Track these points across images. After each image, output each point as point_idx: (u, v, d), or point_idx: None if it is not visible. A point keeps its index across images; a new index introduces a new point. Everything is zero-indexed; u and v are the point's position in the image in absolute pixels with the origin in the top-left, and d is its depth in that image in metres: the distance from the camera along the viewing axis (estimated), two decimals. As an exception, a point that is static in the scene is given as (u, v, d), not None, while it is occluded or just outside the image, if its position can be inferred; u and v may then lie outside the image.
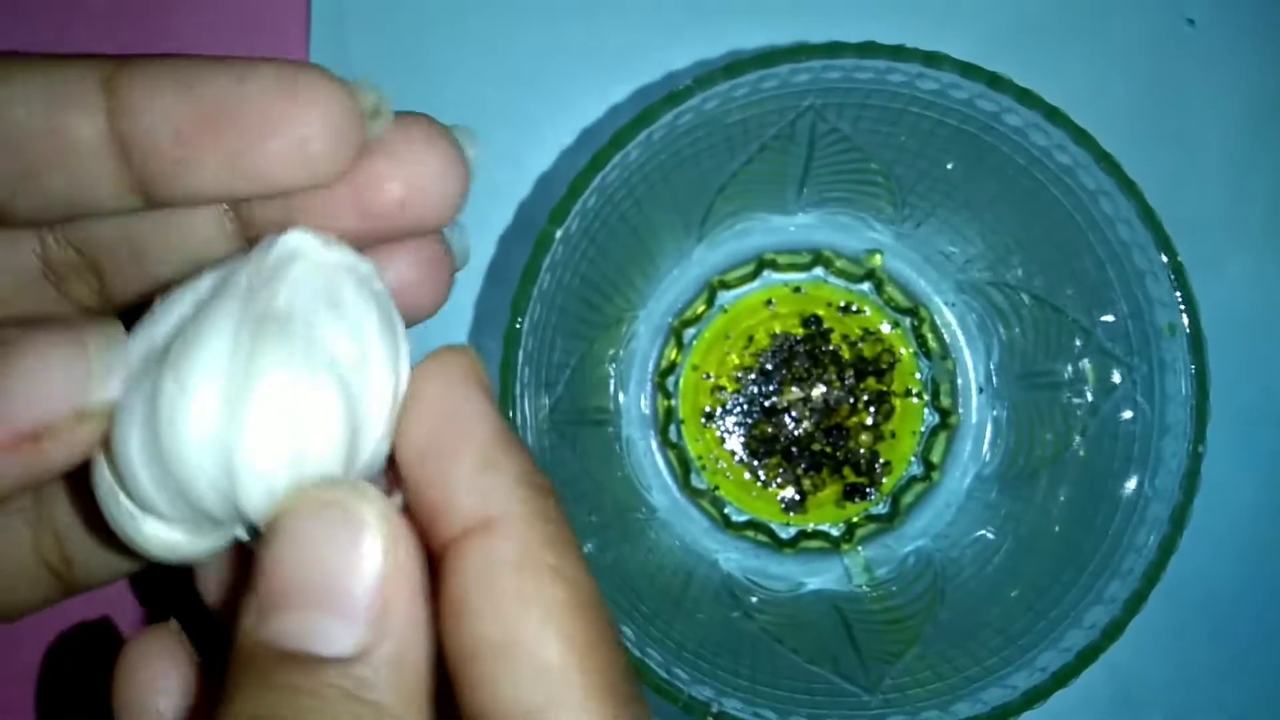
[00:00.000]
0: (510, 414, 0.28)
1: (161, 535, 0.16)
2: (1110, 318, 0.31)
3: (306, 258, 0.16)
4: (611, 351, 0.35)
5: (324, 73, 0.17)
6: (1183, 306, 0.28)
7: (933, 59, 0.28)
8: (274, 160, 0.16)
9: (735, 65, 0.28)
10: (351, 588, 0.15)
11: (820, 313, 0.36)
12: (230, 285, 0.16)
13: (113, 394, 0.16)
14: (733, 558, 0.35)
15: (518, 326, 0.28)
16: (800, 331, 0.36)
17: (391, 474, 0.17)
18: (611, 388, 0.35)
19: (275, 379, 0.15)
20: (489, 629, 0.15)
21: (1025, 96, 0.28)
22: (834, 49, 0.28)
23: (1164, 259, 0.28)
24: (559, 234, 0.28)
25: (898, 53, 0.28)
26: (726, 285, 0.36)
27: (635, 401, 0.36)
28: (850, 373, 0.36)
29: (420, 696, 0.15)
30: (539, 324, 0.29)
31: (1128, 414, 0.30)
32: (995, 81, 0.28)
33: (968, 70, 0.28)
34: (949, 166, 0.32)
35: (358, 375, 0.16)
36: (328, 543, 0.15)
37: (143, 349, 0.16)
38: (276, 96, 0.16)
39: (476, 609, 0.15)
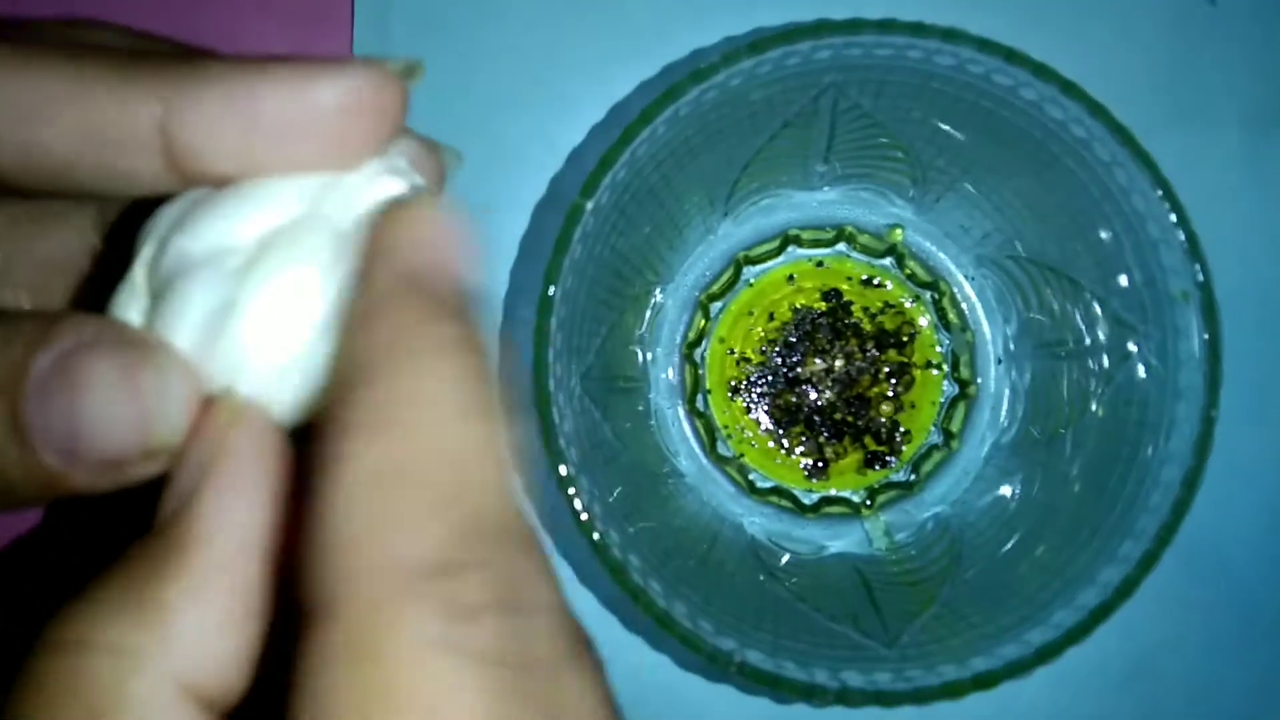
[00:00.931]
0: (544, 378, 0.29)
1: None
2: (1125, 288, 0.32)
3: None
4: (640, 322, 0.36)
5: (374, 69, 0.17)
6: (1197, 273, 0.29)
7: (951, 35, 0.29)
8: (316, 166, 0.17)
9: (759, 42, 0.29)
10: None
11: (841, 287, 0.37)
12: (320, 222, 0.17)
13: (178, 433, 0.16)
14: (757, 521, 0.36)
15: (550, 294, 0.29)
16: (822, 306, 0.37)
17: None
18: (640, 357, 0.36)
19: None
20: (308, 504, 0.14)
21: (1041, 71, 0.29)
22: (855, 26, 0.29)
23: (1177, 227, 0.29)
24: (590, 206, 0.29)
25: (917, 29, 0.29)
26: (752, 260, 0.37)
27: (663, 371, 0.37)
28: (871, 345, 0.37)
29: (217, 584, 0.15)
30: (571, 293, 0.31)
31: (1142, 379, 0.31)
32: (1012, 56, 0.29)
33: (985, 46, 0.29)
34: (966, 140, 0.33)
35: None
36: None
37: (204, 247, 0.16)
38: (334, 109, 0.16)
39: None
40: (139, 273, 0.17)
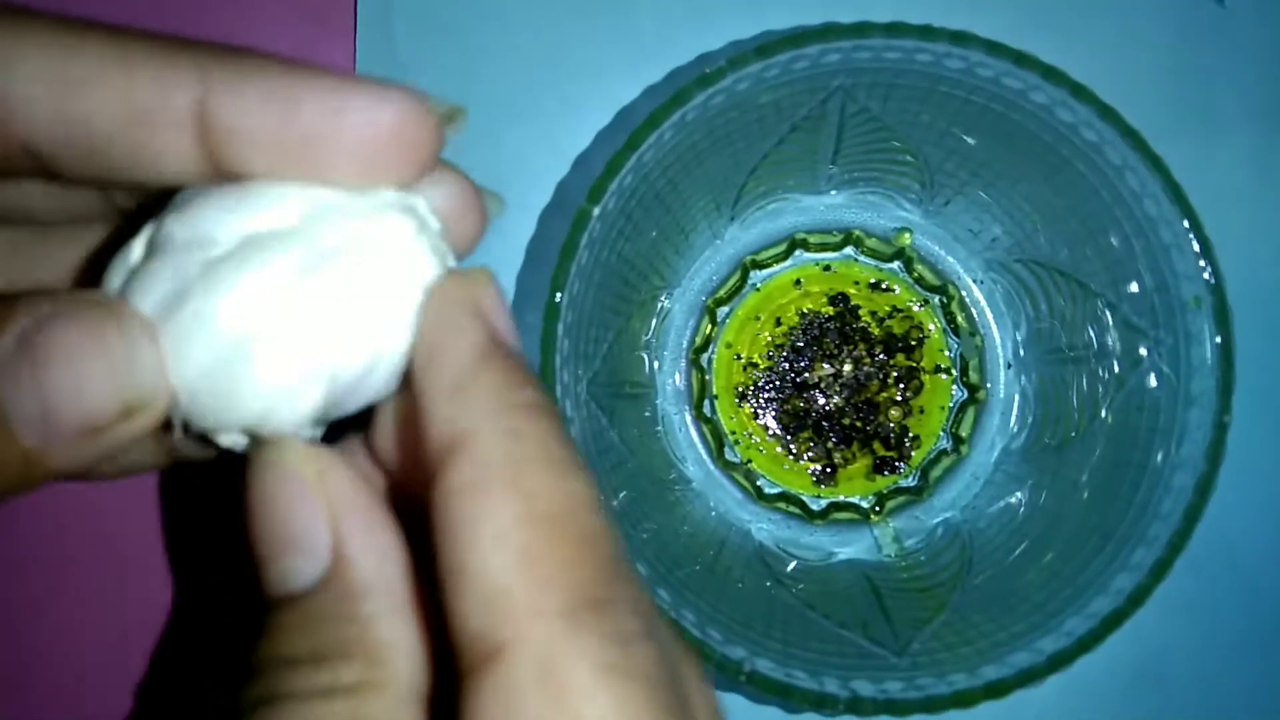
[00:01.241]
0: (550, 384, 0.29)
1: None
2: (1136, 292, 0.31)
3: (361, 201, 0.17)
4: (647, 328, 0.36)
5: (416, 103, 0.17)
6: (1209, 279, 0.29)
7: (960, 38, 0.29)
8: (336, 178, 0.17)
9: (767, 46, 0.29)
10: (303, 529, 0.16)
11: (849, 291, 0.37)
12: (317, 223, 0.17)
13: (161, 383, 0.16)
14: (765, 528, 0.36)
15: (557, 301, 0.29)
16: (829, 310, 0.37)
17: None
18: (647, 363, 0.36)
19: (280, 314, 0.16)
20: (446, 556, 0.15)
21: (1051, 74, 0.29)
22: (863, 29, 0.29)
23: (1189, 233, 0.29)
24: (597, 212, 0.29)
25: (925, 32, 0.29)
26: (759, 265, 0.37)
27: (670, 377, 0.37)
28: (880, 349, 0.37)
29: (395, 613, 0.16)
30: (578, 299, 0.30)
31: (1153, 385, 0.31)
32: (1022, 60, 0.29)
33: (994, 49, 0.29)
34: (976, 144, 0.32)
35: (377, 309, 0.17)
36: (275, 498, 0.16)
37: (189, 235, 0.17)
38: (369, 131, 0.16)
39: (439, 536, 0.15)
40: (137, 248, 0.17)
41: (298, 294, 0.16)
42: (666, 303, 0.36)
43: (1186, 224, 0.29)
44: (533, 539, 0.15)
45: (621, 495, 0.32)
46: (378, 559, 0.16)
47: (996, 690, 0.29)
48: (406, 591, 0.16)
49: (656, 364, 0.36)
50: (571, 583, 0.14)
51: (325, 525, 0.16)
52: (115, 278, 0.17)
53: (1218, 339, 0.29)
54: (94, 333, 0.15)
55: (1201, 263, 0.29)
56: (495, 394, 0.16)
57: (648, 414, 0.36)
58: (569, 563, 0.15)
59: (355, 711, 0.15)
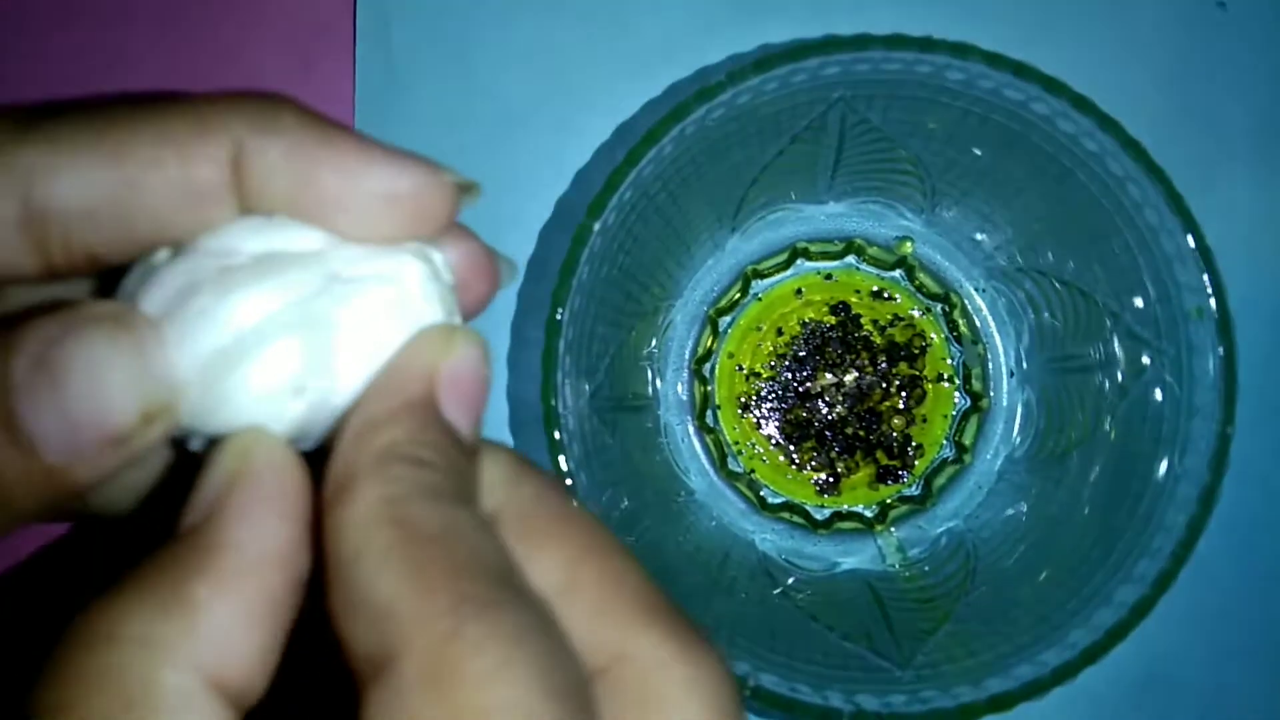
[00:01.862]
0: (552, 400, 0.29)
1: None
2: (1139, 301, 0.31)
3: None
4: (649, 339, 0.36)
5: (433, 174, 0.18)
6: (1210, 290, 0.29)
7: (960, 50, 0.29)
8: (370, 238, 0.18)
9: (766, 60, 0.29)
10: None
11: (850, 299, 0.37)
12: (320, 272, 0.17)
13: (175, 389, 0.16)
14: (769, 538, 0.36)
15: (558, 317, 0.29)
16: (831, 319, 0.37)
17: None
18: (650, 374, 0.36)
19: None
20: (334, 592, 0.15)
21: (1052, 85, 0.29)
22: (862, 42, 0.29)
23: (1191, 244, 0.29)
24: (597, 227, 0.29)
25: (925, 44, 0.29)
26: (760, 274, 0.37)
27: (673, 387, 0.37)
28: (882, 358, 0.37)
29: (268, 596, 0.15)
30: (579, 314, 0.30)
31: (1157, 396, 0.31)
32: (1022, 71, 0.29)
33: (994, 60, 0.29)
34: (977, 154, 0.32)
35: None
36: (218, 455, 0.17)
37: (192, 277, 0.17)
38: (386, 199, 0.17)
39: (329, 574, 0.15)
40: (162, 252, 0.17)
41: (304, 310, 0.17)
42: (668, 315, 0.36)
43: (1188, 235, 0.29)
44: (416, 556, 0.15)
45: (626, 509, 0.32)
46: (254, 546, 0.16)
47: (1001, 703, 0.29)
48: (269, 604, 0.16)
49: (659, 375, 0.36)
50: (457, 589, 0.14)
51: (223, 484, 0.16)
52: (135, 277, 0.17)
53: (1220, 350, 0.29)
54: (108, 343, 0.16)
55: (1203, 273, 0.29)
56: (391, 447, 0.16)
57: (650, 426, 0.36)
58: (453, 573, 0.15)
59: (146, 667, 0.14)
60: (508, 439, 0.36)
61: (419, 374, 0.17)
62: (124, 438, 0.16)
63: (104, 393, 0.16)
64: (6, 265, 0.16)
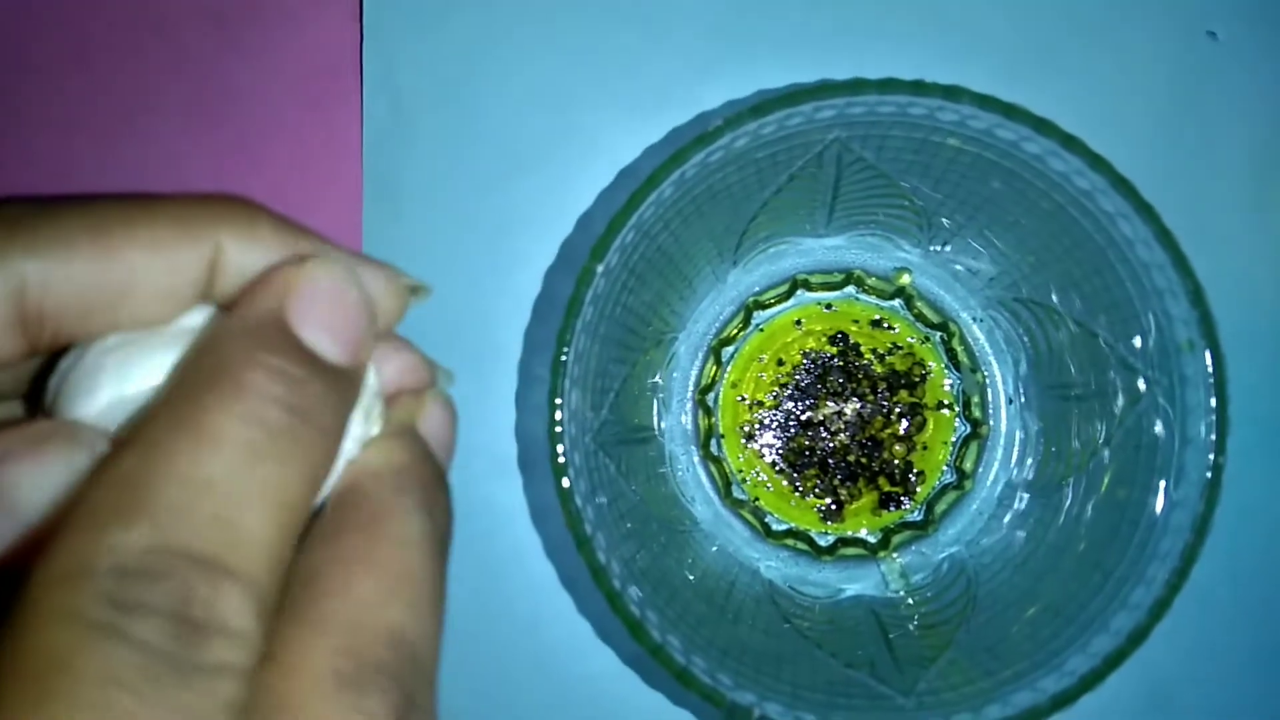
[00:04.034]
0: (559, 439, 0.30)
1: None
2: (1133, 333, 0.32)
3: None
4: (653, 372, 0.37)
5: (388, 278, 0.19)
6: (1201, 324, 0.29)
7: (951, 92, 0.30)
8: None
9: (762, 105, 0.30)
10: None
11: (848, 329, 0.38)
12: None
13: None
14: (773, 566, 0.36)
15: (563, 358, 0.30)
16: (831, 350, 0.37)
17: None
18: (654, 406, 0.37)
19: None
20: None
21: (1042, 125, 0.30)
22: (857, 86, 0.30)
23: (1181, 279, 0.29)
24: (600, 269, 0.30)
25: (918, 87, 0.30)
26: (762, 305, 0.38)
27: (677, 418, 0.37)
28: (883, 386, 0.37)
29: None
30: (584, 353, 0.31)
31: (1152, 425, 0.31)
32: (1012, 112, 0.30)
33: (985, 102, 0.30)
34: (972, 190, 0.33)
35: None
36: None
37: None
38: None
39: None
40: (111, 338, 0.18)
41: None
42: (672, 347, 0.37)
43: (1177, 271, 0.29)
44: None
45: (633, 544, 0.33)
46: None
47: (1001, 730, 0.29)
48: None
49: (664, 407, 0.37)
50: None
51: None
52: (71, 370, 0.18)
53: (1211, 381, 0.30)
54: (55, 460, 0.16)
55: (1194, 309, 0.29)
56: (222, 361, 0.16)
57: (656, 456, 0.37)
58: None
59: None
60: (516, 476, 0.37)
61: (273, 292, 0.17)
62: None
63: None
64: None
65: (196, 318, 0.18)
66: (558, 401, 0.30)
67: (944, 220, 0.35)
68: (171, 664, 0.13)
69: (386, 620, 0.16)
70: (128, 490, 0.14)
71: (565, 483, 0.30)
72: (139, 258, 0.17)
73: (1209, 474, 0.30)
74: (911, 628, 0.34)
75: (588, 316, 0.31)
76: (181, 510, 0.14)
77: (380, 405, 0.19)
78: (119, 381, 0.17)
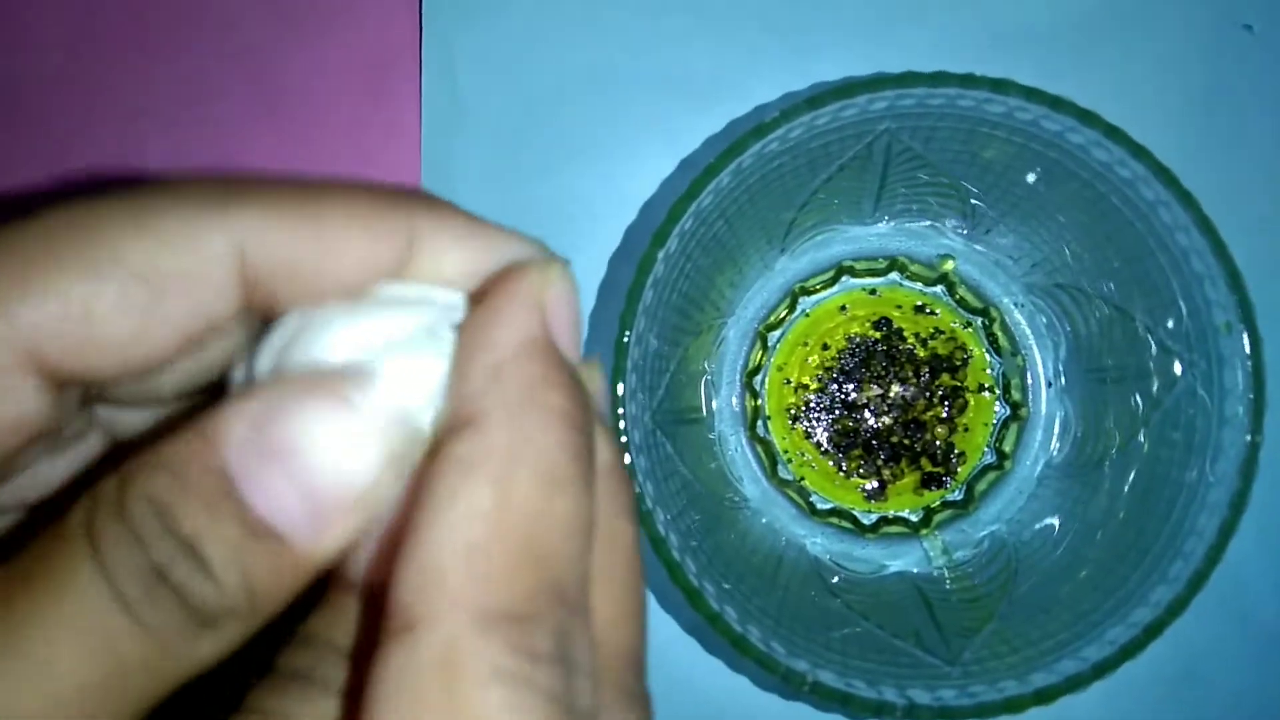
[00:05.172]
0: (620, 418, 0.31)
1: None
2: (1171, 317, 0.33)
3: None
4: (704, 355, 0.38)
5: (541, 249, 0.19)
6: (1238, 307, 0.31)
7: (999, 85, 0.31)
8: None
9: (818, 97, 0.31)
10: None
11: (892, 314, 0.39)
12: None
13: (428, 412, 0.16)
14: (819, 542, 0.38)
15: (625, 340, 0.31)
16: (875, 334, 0.39)
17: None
18: (705, 388, 0.38)
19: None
20: (414, 519, 0.15)
21: (1086, 117, 0.31)
22: (908, 79, 0.31)
23: (1220, 264, 0.31)
24: (660, 255, 0.31)
25: (967, 80, 0.31)
26: (808, 291, 0.39)
27: (726, 400, 0.39)
28: (925, 370, 0.39)
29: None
30: (644, 336, 0.33)
31: (1189, 406, 0.33)
32: (1057, 104, 0.31)
33: (1031, 94, 0.31)
34: (1017, 179, 0.34)
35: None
36: None
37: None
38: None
39: (420, 499, 0.15)
40: (330, 303, 0.18)
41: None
42: (722, 332, 0.38)
43: (1216, 257, 0.30)
44: (488, 538, 0.15)
45: (690, 519, 0.34)
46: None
47: (1045, 696, 0.31)
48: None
49: (714, 389, 0.39)
50: (500, 590, 0.14)
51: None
52: (290, 330, 0.17)
53: (1249, 363, 0.31)
54: (323, 404, 0.15)
55: (1232, 294, 0.30)
56: (525, 387, 0.16)
57: (706, 437, 0.38)
58: (508, 573, 0.15)
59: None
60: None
61: (525, 313, 0.16)
62: (371, 492, 0.15)
63: (338, 452, 0.15)
64: (216, 311, 0.17)
65: (401, 289, 0.18)
66: (619, 383, 0.32)
67: (988, 209, 0.36)
68: (570, 712, 0.14)
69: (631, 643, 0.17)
70: (506, 539, 0.15)
71: (627, 459, 0.31)
72: (344, 227, 0.17)
73: (1246, 452, 0.31)
74: (955, 601, 0.35)
75: (648, 300, 0.32)
76: (552, 556, 0.15)
77: (454, 318, 0.18)
78: (351, 347, 0.16)
